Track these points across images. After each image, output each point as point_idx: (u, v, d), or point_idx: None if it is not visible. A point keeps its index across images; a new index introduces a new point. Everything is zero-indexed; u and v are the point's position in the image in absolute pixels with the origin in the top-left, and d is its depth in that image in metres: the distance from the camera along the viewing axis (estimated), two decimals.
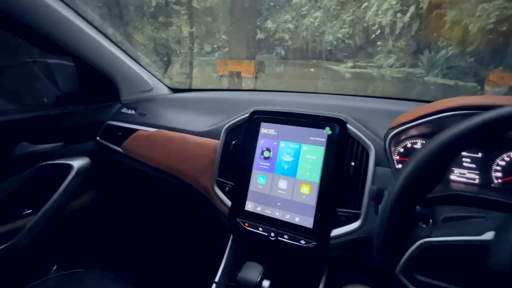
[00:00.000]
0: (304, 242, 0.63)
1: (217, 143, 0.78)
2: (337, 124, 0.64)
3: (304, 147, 0.67)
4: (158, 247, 1.22)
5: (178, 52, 4.26)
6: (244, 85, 3.82)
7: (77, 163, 0.89)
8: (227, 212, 0.72)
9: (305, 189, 0.66)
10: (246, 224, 0.69)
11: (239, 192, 0.71)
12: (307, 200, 0.65)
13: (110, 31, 0.96)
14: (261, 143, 0.72)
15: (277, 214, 0.67)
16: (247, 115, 0.75)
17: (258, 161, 0.71)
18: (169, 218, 1.22)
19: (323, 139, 0.65)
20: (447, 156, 0.36)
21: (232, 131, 0.77)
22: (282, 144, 0.70)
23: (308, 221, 0.64)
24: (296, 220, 0.65)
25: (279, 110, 0.72)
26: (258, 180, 0.70)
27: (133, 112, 1.03)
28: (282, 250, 0.66)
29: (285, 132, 0.70)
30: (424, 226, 0.44)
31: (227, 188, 0.74)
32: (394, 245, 0.37)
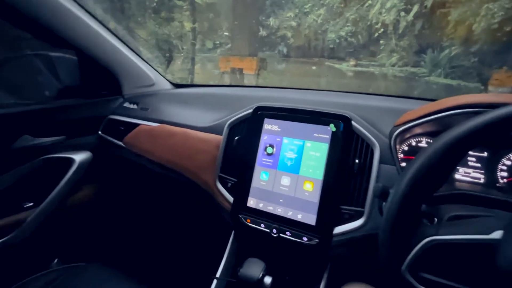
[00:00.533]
0: (307, 239, 0.62)
1: (219, 138, 0.77)
2: (341, 121, 0.64)
3: (308, 144, 0.66)
4: (159, 242, 1.22)
5: (180, 48, 4.25)
6: (246, 82, 3.81)
7: (79, 157, 0.89)
8: (229, 208, 0.72)
9: (308, 186, 0.65)
10: (248, 221, 0.69)
11: (242, 188, 0.71)
12: (310, 197, 0.64)
13: (112, 25, 0.95)
14: (264, 139, 0.71)
15: (279, 211, 0.67)
16: (251, 110, 0.74)
17: (261, 157, 0.71)
18: (170, 213, 1.22)
19: (327, 136, 0.65)
20: (454, 155, 0.35)
21: (235, 126, 0.77)
22: (285, 140, 0.69)
23: (310, 218, 0.63)
24: (299, 217, 0.65)
25: (283, 106, 0.71)
26: (261, 177, 0.70)
27: (135, 106, 1.03)
28: (284, 247, 0.66)
29: (288, 128, 0.69)
30: (429, 224, 0.43)
31: (229, 184, 0.74)
32: (400, 243, 0.37)
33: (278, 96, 0.91)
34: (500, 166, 0.58)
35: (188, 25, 4.27)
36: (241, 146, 0.74)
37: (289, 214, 0.66)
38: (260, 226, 0.67)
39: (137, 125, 0.96)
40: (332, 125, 0.65)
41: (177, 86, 1.18)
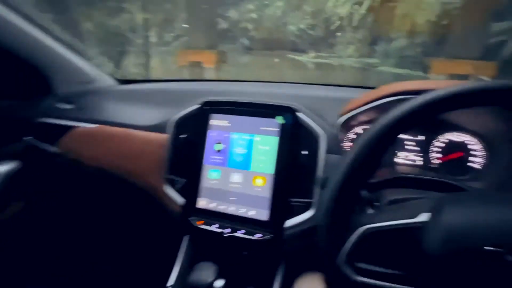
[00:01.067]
0: (261, 236, 0.61)
1: (165, 138, 0.72)
2: (289, 113, 0.63)
3: (257, 138, 0.64)
4: (106, 255, 1.11)
5: (133, 41, 3.94)
6: (206, 76, 3.68)
7: None
8: (179, 211, 0.68)
9: (259, 181, 0.63)
10: (200, 222, 0.65)
11: (191, 189, 0.67)
12: (262, 192, 0.63)
13: (42, 16, 0.83)
14: (212, 135, 0.67)
15: (231, 209, 0.64)
16: (197, 106, 0.70)
17: (210, 155, 0.67)
18: (116, 223, 1.11)
19: (276, 129, 0.63)
20: (382, 143, 0.35)
21: (182, 124, 0.72)
22: (234, 135, 0.66)
23: (263, 214, 0.62)
24: (252, 213, 0.63)
25: (230, 100, 0.68)
26: (211, 175, 0.67)
27: (70, 106, 0.91)
28: (239, 246, 0.64)
29: (237, 123, 0.66)
30: (369, 211, 0.44)
31: (178, 186, 0.69)
32: (337, 233, 0.36)
33: (231, 89, 0.88)
34: (433, 148, 0.62)
35: (140, 16, 3.97)
36: (188, 145, 0.69)
37: (242, 211, 0.64)
38: (213, 227, 0.64)
39: (73, 127, 0.85)
40: (280, 117, 0.63)
41: (122, 82, 1.07)
